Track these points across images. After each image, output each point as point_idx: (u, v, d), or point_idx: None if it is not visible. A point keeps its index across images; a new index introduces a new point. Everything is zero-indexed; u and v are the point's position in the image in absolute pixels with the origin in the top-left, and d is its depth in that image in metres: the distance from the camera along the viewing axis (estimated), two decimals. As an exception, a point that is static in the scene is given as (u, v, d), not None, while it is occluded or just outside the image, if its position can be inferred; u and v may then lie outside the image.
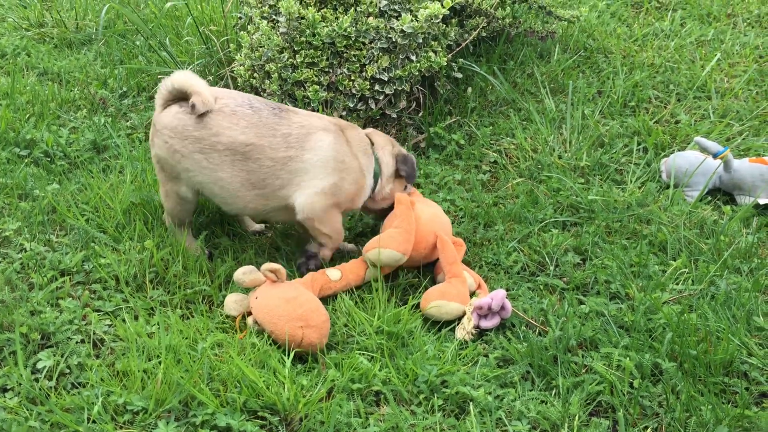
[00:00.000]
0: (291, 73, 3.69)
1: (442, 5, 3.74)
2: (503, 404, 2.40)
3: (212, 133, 2.81)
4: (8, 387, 2.37)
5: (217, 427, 2.25)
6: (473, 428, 2.28)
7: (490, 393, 2.42)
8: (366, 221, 3.35)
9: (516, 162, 3.78)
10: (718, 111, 4.05)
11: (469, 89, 4.20)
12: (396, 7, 3.82)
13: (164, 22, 4.72)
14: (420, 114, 3.99)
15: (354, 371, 2.47)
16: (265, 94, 3.73)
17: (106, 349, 2.56)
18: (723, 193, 3.53)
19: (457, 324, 2.77)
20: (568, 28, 4.78)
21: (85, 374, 2.43)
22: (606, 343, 2.63)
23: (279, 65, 3.70)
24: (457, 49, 4.11)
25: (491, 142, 3.93)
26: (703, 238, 3.19)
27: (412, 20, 3.71)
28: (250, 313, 2.73)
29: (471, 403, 2.38)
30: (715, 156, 3.46)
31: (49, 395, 2.36)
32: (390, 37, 3.73)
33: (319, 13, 3.73)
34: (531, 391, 2.47)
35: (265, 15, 3.89)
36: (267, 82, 3.74)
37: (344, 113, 3.71)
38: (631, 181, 3.59)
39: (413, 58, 3.78)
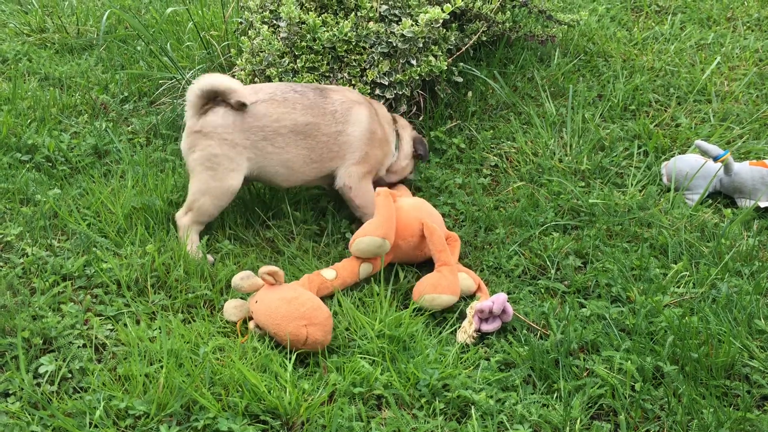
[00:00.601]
0: (292, 78, 3.70)
1: (442, 10, 3.76)
2: (505, 408, 2.40)
3: (274, 119, 3.10)
4: (10, 392, 2.37)
5: (219, 432, 2.25)
6: (475, 432, 2.28)
7: (491, 397, 2.42)
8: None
9: (517, 166, 3.79)
10: (719, 114, 4.06)
11: (470, 93, 4.21)
12: (396, 11, 3.83)
13: (165, 27, 4.73)
14: (421, 118, 4.00)
15: (355, 375, 2.47)
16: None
17: (107, 353, 2.57)
18: (723, 197, 3.54)
19: (458, 327, 2.77)
20: (568, 32, 4.79)
21: (86, 379, 2.43)
22: (607, 346, 2.63)
23: (280, 70, 3.70)
24: (458, 54, 4.12)
25: (492, 145, 3.94)
26: (704, 242, 3.19)
27: (412, 25, 3.72)
28: (250, 318, 2.73)
29: (472, 407, 2.38)
30: (715, 159, 3.46)
31: (51, 400, 2.36)
32: (390, 42, 3.74)
33: (320, 18, 3.74)
34: (532, 394, 2.47)
35: (265, 20, 3.90)
36: (268, 86, 3.74)
37: (345, 117, 3.71)
38: (631, 185, 3.59)
39: (414, 62, 3.79)
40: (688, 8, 5.35)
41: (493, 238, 3.25)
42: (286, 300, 2.60)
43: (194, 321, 2.75)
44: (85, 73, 4.56)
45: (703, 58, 4.61)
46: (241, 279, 2.70)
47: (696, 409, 2.33)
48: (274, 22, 3.88)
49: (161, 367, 2.43)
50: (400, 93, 3.78)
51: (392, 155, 3.41)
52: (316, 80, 3.69)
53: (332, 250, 3.17)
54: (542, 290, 2.98)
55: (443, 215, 3.31)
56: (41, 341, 2.55)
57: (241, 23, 4.24)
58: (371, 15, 3.78)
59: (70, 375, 2.46)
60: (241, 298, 2.81)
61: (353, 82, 3.71)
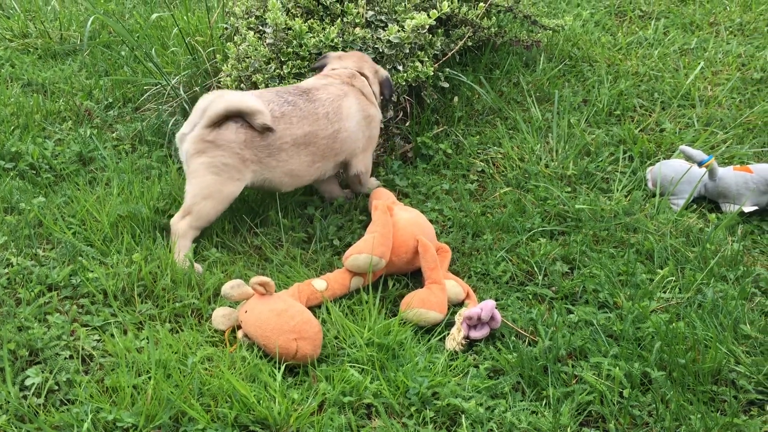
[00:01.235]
0: (278, 84, 3.69)
1: (428, 16, 3.76)
2: (494, 415, 2.40)
3: (277, 137, 3.13)
4: (-4, 405, 2.35)
5: (208, 443, 2.24)
6: (465, 440, 2.28)
7: (481, 404, 2.43)
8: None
9: (503, 171, 3.80)
10: (702, 119, 4.09)
11: (456, 99, 4.22)
12: (382, 17, 3.84)
13: (150, 33, 4.70)
14: (407, 123, 4.00)
15: (345, 384, 2.47)
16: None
17: (95, 364, 2.55)
18: (708, 201, 3.57)
19: (447, 334, 2.77)
20: (553, 37, 4.81)
21: (74, 391, 2.41)
22: (595, 352, 2.65)
23: (266, 76, 3.69)
24: (444, 59, 4.12)
25: (478, 151, 3.95)
26: (689, 246, 3.21)
27: (398, 31, 3.73)
28: (239, 327, 2.72)
29: (462, 415, 2.38)
30: (700, 164, 3.49)
31: (37, 413, 2.33)
32: (377, 48, 3.75)
33: (306, 24, 3.74)
34: (522, 401, 2.48)
35: (251, 26, 3.89)
36: (254, 93, 3.73)
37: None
38: (617, 190, 3.61)
39: (400, 68, 3.79)
40: (671, 13, 5.39)
41: (481, 244, 3.26)
42: (276, 312, 2.59)
43: (182, 330, 2.73)
44: (68, 79, 4.53)
45: (686, 63, 4.65)
46: (231, 288, 2.69)
47: (684, 415, 2.35)
48: (260, 28, 3.88)
49: (149, 378, 2.41)
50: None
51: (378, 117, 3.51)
52: (303, 86, 3.68)
53: (320, 257, 3.16)
54: (530, 296, 2.99)
55: (431, 221, 3.31)
56: (27, 353, 2.52)
57: (226, 29, 4.22)
58: (357, 21, 3.78)
59: (57, 387, 2.43)
60: (230, 306, 2.80)
61: (340, 88, 3.70)
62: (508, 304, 2.92)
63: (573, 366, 2.60)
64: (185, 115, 4.07)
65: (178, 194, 3.40)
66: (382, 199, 3.22)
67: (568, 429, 2.34)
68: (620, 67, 4.62)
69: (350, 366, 2.56)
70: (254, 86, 3.74)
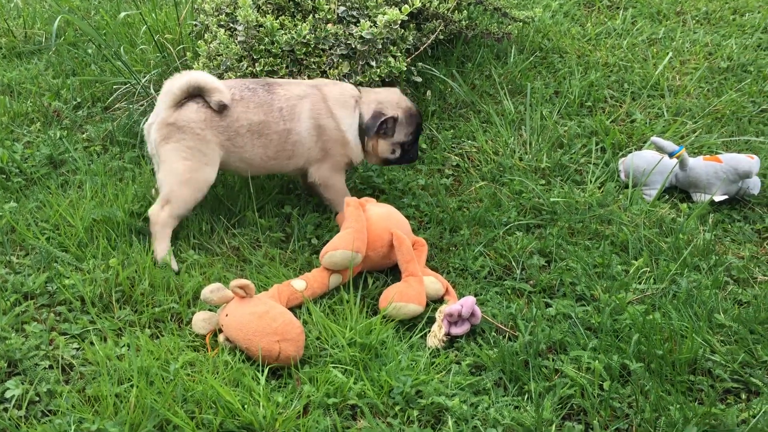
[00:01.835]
0: (251, 82, 3.66)
1: (400, 11, 3.75)
2: (478, 412, 2.43)
3: (234, 119, 3.13)
4: (-25, 418, 2.32)
5: (194, 450, 2.23)
6: (450, 438, 2.31)
7: (464, 401, 2.45)
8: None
9: (478, 165, 3.82)
10: (672, 109, 4.15)
11: (429, 92, 4.22)
12: (354, 13, 3.82)
13: (117, 30, 4.63)
14: (381, 119, 4.00)
15: (329, 385, 2.47)
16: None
17: (75, 374, 2.52)
18: (679, 191, 3.63)
19: (428, 332, 2.79)
20: (523, 29, 4.84)
21: (55, 401, 2.39)
22: (575, 345, 2.69)
23: (238, 74, 3.66)
24: (416, 53, 4.12)
25: (453, 145, 3.96)
26: (663, 237, 3.27)
27: (371, 26, 3.72)
28: (220, 331, 2.71)
29: (447, 413, 2.40)
30: (671, 155, 3.55)
31: (19, 425, 2.31)
32: (349, 44, 3.73)
33: (278, 20, 3.71)
34: (504, 397, 2.51)
35: (222, 23, 3.85)
36: (227, 91, 3.70)
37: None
38: (591, 182, 3.66)
39: (373, 63, 3.78)
40: (639, 3, 5.45)
41: (458, 239, 3.28)
42: (257, 315, 2.58)
43: (162, 336, 2.71)
44: (35, 79, 4.44)
45: (654, 53, 4.71)
46: (211, 292, 2.67)
47: (663, 406, 2.40)
48: (231, 25, 3.84)
49: (131, 386, 2.40)
50: (361, 95, 3.77)
51: (354, 142, 3.30)
52: (276, 84, 3.66)
53: (299, 256, 3.16)
54: (509, 291, 3.02)
55: (408, 218, 3.31)
56: (6, 364, 2.49)
57: (196, 26, 4.17)
58: (329, 17, 3.76)
59: (37, 398, 2.40)
60: (210, 309, 2.79)
61: (313, 85, 3.69)
62: (487, 300, 2.95)
63: (553, 360, 2.63)
64: (156, 114, 4.03)
65: (152, 197, 3.37)
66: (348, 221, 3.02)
67: (551, 423, 2.38)
68: (590, 58, 4.66)
69: (333, 367, 2.56)
70: (227, 84, 3.71)
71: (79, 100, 4.26)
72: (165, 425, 2.30)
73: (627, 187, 3.60)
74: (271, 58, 3.69)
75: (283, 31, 3.69)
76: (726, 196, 3.48)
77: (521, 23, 4.70)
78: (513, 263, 3.14)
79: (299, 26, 3.69)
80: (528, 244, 3.22)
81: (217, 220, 3.30)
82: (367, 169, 3.73)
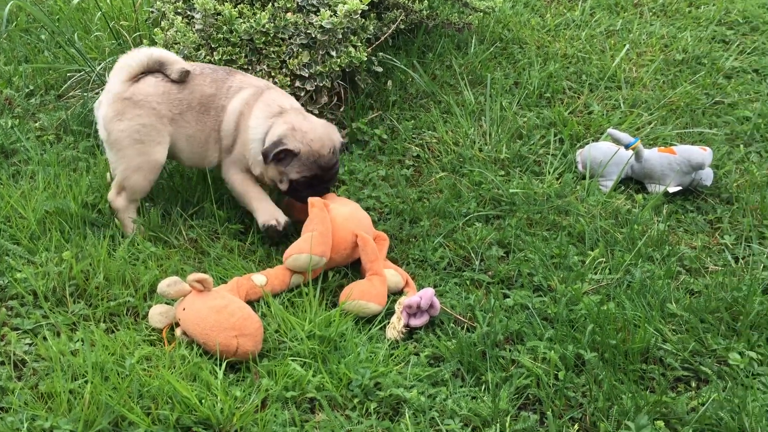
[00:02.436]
0: (209, 71, 3.61)
1: (360, 0, 3.73)
2: (436, 403, 2.45)
3: (190, 92, 3.13)
4: (-77, 417, 2.26)
5: (150, 446, 2.21)
6: (408, 430, 2.32)
7: (422, 393, 2.47)
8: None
9: (438, 156, 3.83)
10: (628, 101, 4.21)
11: (390, 82, 4.22)
12: (314, 2, 3.79)
13: (72, 16, 4.52)
14: (342, 109, 3.99)
15: (288, 379, 2.47)
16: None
17: (28, 370, 2.47)
18: (635, 182, 3.69)
19: (388, 324, 2.80)
20: (483, 19, 4.85)
21: (7, 398, 2.34)
22: (531, 336, 2.72)
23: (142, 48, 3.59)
24: (377, 43, 4.11)
25: (413, 136, 3.97)
26: (618, 228, 3.32)
27: (331, 16, 3.69)
28: (177, 324, 2.68)
29: (405, 405, 2.42)
30: (627, 147, 3.60)
31: (-31, 424, 2.26)
32: (309, 33, 3.70)
33: (236, 9, 3.66)
34: (462, 387, 2.53)
35: (179, 11, 3.79)
36: (184, 80, 3.64)
37: (265, 110, 3.65)
38: (549, 173, 3.70)
39: (333, 53, 3.76)
40: (598, -7, 5.50)
41: (418, 230, 3.29)
42: (215, 309, 2.56)
43: (118, 330, 2.68)
44: (-15, 66, 4.32)
45: (612, 45, 4.76)
46: (168, 285, 2.64)
47: (616, 395, 2.45)
48: (188, 13, 3.78)
49: (86, 382, 2.36)
50: (321, 84, 3.76)
51: (254, 155, 3.13)
52: (234, 73, 3.62)
53: (258, 248, 3.13)
54: (467, 282, 3.04)
55: (368, 209, 3.32)
56: (-45, 361, 2.43)
57: (152, 12, 4.10)
58: (289, 5, 3.73)
59: (-12, 395, 2.36)
60: (167, 303, 2.76)
61: (273, 74, 3.66)
62: (446, 291, 2.97)
63: (510, 350, 2.66)
64: (112, 102, 3.95)
65: (107, 188, 3.31)
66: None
67: (507, 413, 2.41)
68: (549, 49, 4.70)
69: (292, 360, 2.56)
70: (184, 73, 3.65)
71: (31, 87, 4.16)
72: (120, 422, 2.28)
73: (584, 178, 3.64)
74: (229, 47, 3.64)
75: (241, 20, 3.65)
76: (680, 188, 3.54)
77: (482, 13, 4.72)
78: (472, 254, 3.16)
79: (258, 15, 3.65)
80: (487, 235, 3.24)
81: (175, 211, 3.26)
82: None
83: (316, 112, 3.81)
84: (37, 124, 3.88)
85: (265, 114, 3.12)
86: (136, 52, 3.13)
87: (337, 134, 3.17)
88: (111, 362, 2.45)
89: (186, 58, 3.63)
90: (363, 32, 3.95)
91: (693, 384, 2.56)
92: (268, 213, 3.12)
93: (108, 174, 3.29)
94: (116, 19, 4.18)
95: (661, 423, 2.32)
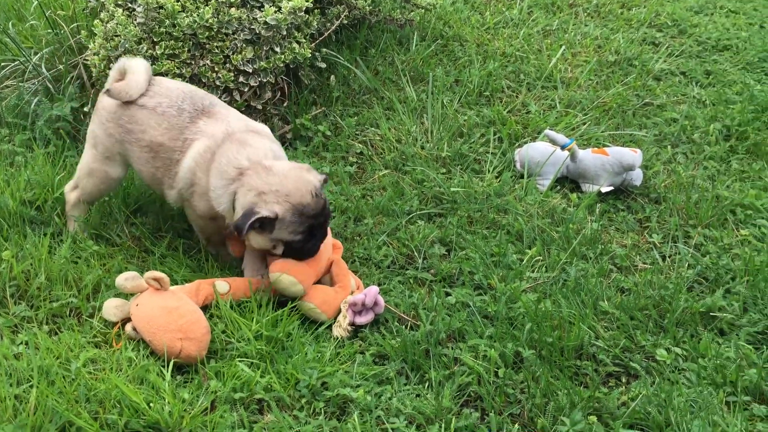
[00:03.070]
0: (151, 65, 3.56)
1: (305, -1, 3.74)
2: (381, 402, 2.52)
3: (141, 129, 2.92)
4: None
5: (99, 450, 2.22)
6: (355, 429, 2.39)
7: (368, 392, 2.54)
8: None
9: (381, 153, 3.89)
10: (564, 101, 4.35)
11: (333, 77, 4.25)
12: (258, -3, 3.78)
13: (5, 3, 4.37)
14: (285, 104, 4.00)
15: (236, 380, 2.50)
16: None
17: (-32, 375, 2.43)
18: (570, 181, 3.83)
19: (334, 322, 2.85)
20: (425, 15, 4.92)
21: (-53, 405, 2.30)
22: (473, 334, 2.82)
23: (137, 56, 3.56)
24: (320, 39, 4.13)
25: (356, 132, 4.01)
26: (554, 226, 3.45)
27: (275, 12, 3.69)
28: (130, 320, 2.67)
29: (352, 404, 2.49)
30: (563, 147, 3.73)
31: None
32: (253, 29, 3.69)
33: (179, 2, 3.62)
34: (406, 386, 2.61)
35: (119, 2, 3.72)
36: (125, 73, 3.59)
37: (208, 105, 3.63)
38: (489, 171, 3.80)
39: (277, 49, 3.77)
40: (535, -8, 5.63)
41: (362, 228, 3.35)
42: (166, 309, 2.57)
43: (61, 332, 2.66)
44: None
45: (548, 45, 4.90)
46: (125, 279, 2.64)
47: (552, 391, 2.57)
48: (129, 5, 3.71)
49: (31, 386, 2.34)
50: (265, 80, 3.76)
51: (222, 212, 2.85)
52: (177, 68, 3.59)
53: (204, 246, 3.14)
54: (411, 280, 3.12)
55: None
56: None
57: (89, 2, 4.01)
58: (232, 0, 3.71)
59: (-72, 402, 2.31)
60: (123, 297, 2.74)
61: (216, 69, 3.64)
62: (391, 289, 3.04)
63: (453, 348, 2.76)
64: (48, 94, 3.87)
65: (47, 182, 3.25)
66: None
67: (450, 411, 2.50)
68: (489, 47, 4.80)
69: (240, 361, 2.59)
70: (125, 67, 3.59)
71: (-38, 76, 4.02)
72: (68, 427, 2.27)
73: (522, 177, 3.76)
74: (172, 42, 3.61)
75: (184, 14, 3.61)
76: (611, 187, 3.70)
77: (423, 10, 4.79)
78: (415, 252, 3.24)
79: (202, 9, 3.62)
80: (429, 233, 3.33)
81: (117, 208, 3.22)
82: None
83: (260, 107, 3.82)
84: (-32, 116, 3.76)
85: (223, 182, 2.79)
86: (125, 59, 3.04)
87: (312, 173, 2.83)
88: (56, 366, 2.43)
89: (127, 51, 3.57)
90: (307, 28, 3.96)
91: (623, 379, 2.71)
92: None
93: None
94: (53, 8, 4.07)
95: (593, 418, 2.46)
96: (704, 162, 3.94)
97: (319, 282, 2.94)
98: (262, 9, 3.74)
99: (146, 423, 2.31)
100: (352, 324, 2.83)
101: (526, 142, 3.98)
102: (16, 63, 3.96)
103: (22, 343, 2.54)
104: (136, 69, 2.97)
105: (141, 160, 2.96)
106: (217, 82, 3.64)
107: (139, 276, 2.66)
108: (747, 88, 4.53)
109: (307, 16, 3.98)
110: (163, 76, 3.57)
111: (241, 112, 3.77)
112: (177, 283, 2.86)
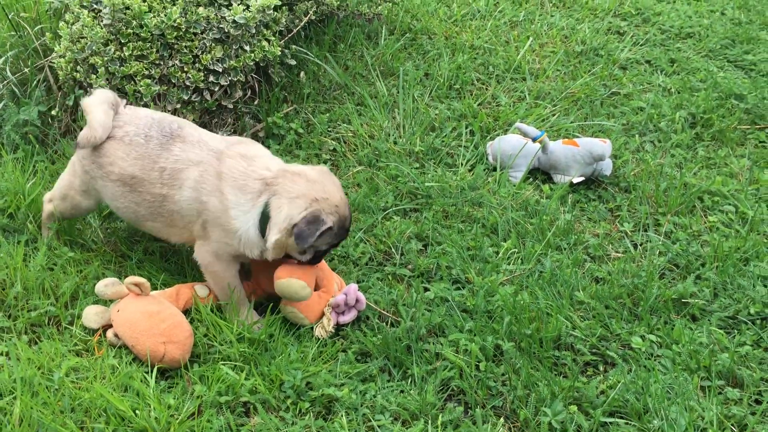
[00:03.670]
0: (119, 67, 3.53)
1: (274, -4, 3.72)
2: (366, 399, 2.55)
3: (109, 162, 2.82)
4: None
5: (86, 460, 2.22)
6: (342, 428, 2.42)
7: (353, 390, 2.57)
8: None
9: (354, 149, 3.91)
10: (533, 92, 4.40)
11: (303, 74, 4.24)
12: (226, -5, 3.75)
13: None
14: (256, 102, 3.98)
15: (220, 384, 2.51)
16: (93, 89, 3.55)
17: (-52, 389, 2.40)
18: (541, 173, 3.88)
19: (317, 325, 2.87)
20: (393, 9, 4.92)
21: (-71, 421, 2.28)
22: (453, 328, 2.86)
23: (105, 59, 3.52)
24: (289, 35, 4.12)
25: (329, 129, 4.02)
26: (528, 218, 3.51)
27: (244, 10, 3.67)
28: (111, 326, 2.66)
29: (337, 403, 2.51)
30: (534, 140, 3.78)
31: None
32: (222, 28, 3.67)
33: (146, 3, 3.58)
34: (390, 382, 2.65)
35: (84, 4, 3.67)
36: (93, 76, 3.55)
37: (179, 106, 3.62)
38: (462, 165, 3.84)
39: (247, 48, 3.75)
40: (500, -17, 5.66)
41: (339, 226, 3.36)
42: (147, 314, 2.56)
43: (41, 341, 2.63)
44: None
45: (516, 36, 4.94)
46: (105, 286, 2.63)
47: (533, 382, 2.63)
48: (95, 6, 3.66)
49: (14, 398, 2.32)
50: (235, 79, 3.74)
51: (247, 234, 2.67)
52: (146, 69, 3.55)
53: (181, 249, 3.13)
54: (389, 276, 3.15)
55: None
56: None
57: (52, 2, 3.94)
58: (200, 0, 3.68)
59: None
60: (103, 304, 2.73)
61: (185, 69, 3.61)
62: (370, 286, 3.07)
63: (434, 343, 2.80)
64: (13, 98, 3.81)
65: (18, 189, 3.21)
66: None
67: (434, 406, 2.54)
68: (457, 40, 4.83)
69: (223, 364, 2.60)
70: (93, 69, 3.55)
71: None
72: (54, 438, 2.26)
73: (495, 169, 3.81)
74: (140, 42, 3.57)
75: (151, 14, 3.57)
76: (583, 178, 3.77)
77: (391, 3, 4.79)
78: (392, 249, 3.27)
79: (169, 9, 3.59)
80: (406, 229, 3.36)
81: (91, 215, 3.19)
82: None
83: (231, 106, 3.80)
84: (-68, 122, 3.68)
85: (248, 196, 2.64)
86: (85, 99, 2.95)
87: (336, 179, 2.82)
88: (38, 376, 2.41)
89: (94, 53, 3.53)
90: (275, 25, 3.94)
91: (601, 368, 2.77)
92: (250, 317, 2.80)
93: None
94: (16, 10, 3.99)
95: (574, 407, 2.52)
96: (671, 150, 4.02)
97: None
98: (230, 7, 3.71)
99: (134, 430, 2.31)
100: (336, 325, 2.85)
101: (497, 135, 4.02)
102: (-21, 67, 3.88)
103: (2, 354, 2.52)
104: (90, 108, 2.82)
105: (116, 195, 2.82)
106: (187, 83, 3.62)
107: (119, 282, 2.65)
108: (710, 75, 4.63)
109: (276, 13, 3.96)
110: (132, 77, 3.55)
111: (212, 111, 3.79)
112: (156, 288, 2.85)
